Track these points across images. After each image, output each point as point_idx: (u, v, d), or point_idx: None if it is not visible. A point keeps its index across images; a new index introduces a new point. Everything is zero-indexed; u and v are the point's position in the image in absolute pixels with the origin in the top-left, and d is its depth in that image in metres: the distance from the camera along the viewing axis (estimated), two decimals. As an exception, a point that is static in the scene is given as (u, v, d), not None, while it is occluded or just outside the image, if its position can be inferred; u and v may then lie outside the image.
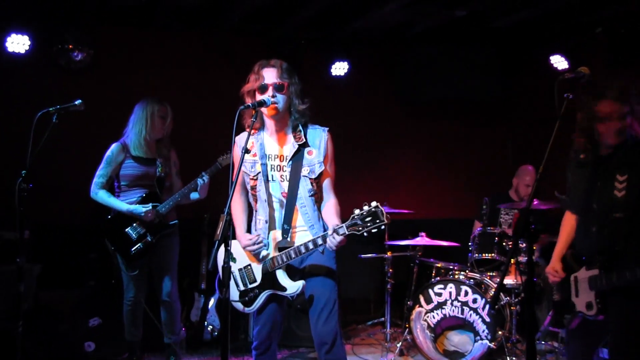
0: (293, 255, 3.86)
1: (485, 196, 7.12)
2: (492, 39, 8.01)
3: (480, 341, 5.77)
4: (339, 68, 7.94)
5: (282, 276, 3.96)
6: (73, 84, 6.92)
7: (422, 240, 6.46)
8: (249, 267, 4.07)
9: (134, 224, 5.42)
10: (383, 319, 6.89)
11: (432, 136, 8.77)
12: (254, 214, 4.14)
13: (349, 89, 8.19)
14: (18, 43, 6.58)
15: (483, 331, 5.77)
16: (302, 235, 3.99)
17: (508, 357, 5.78)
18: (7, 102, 6.87)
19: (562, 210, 4.31)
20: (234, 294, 4.11)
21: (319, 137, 4.03)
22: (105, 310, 6.11)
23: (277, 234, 3.99)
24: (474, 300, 5.84)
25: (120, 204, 5.41)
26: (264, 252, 3.99)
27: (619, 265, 3.66)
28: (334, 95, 8.04)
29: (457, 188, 8.72)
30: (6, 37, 6.54)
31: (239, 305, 4.11)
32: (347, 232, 3.64)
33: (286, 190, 3.98)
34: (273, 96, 3.87)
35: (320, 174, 4.01)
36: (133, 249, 5.40)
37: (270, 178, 4.01)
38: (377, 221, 3.58)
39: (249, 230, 4.16)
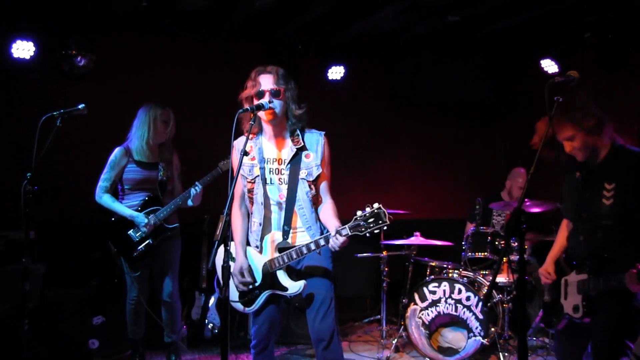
0: (294, 256, 3.86)
1: (478, 197, 7.13)
2: (485, 43, 8.02)
3: (473, 338, 5.78)
4: (336, 72, 7.94)
5: (283, 276, 3.96)
6: (76, 89, 6.92)
7: (417, 239, 6.46)
8: (249, 267, 4.07)
9: (136, 227, 5.42)
10: (379, 316, 6.90)
11: (426, 139, 8.78)
12: (250, 217, 4.14)
13: (345, 93, 8.20)
14: (23, 49, 6.59)
15: (476, 328, 5.78)
16: (301, 236, 4.00)
17: (500, 353, 5.79)
18: (12, 106, 6.88)
19: (555, 211, 4.34)
20: (234, 295, 4.10)
21: (316, 141, 4.03)
22: (109, 308, 6.11)
23: (276, 235, 3.99)
24: (467, 298, 5.85)
25: (123, 209, 5.40)
26: (240, 287, 4.00)
27: (606, 271, 3.67)
28: (331, 99, 8.05)
29: (451, 189, 8.74)
30: (12, 44, 6.56)
31: (239, 306, 4.11)
32: (350, 233, 3.65)
33: (284, 193, 3.98)
34: (270, 102, 3.87)
35: (318, 177, 4.01)
36: (135, 252, 5.40)
37: (268, 181, 4.01)
38: (380, 222, 3.59)
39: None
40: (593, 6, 6.57)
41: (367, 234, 3.62)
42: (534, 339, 6.30)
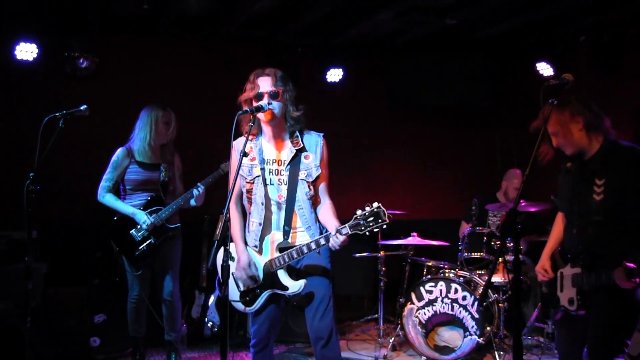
0: (295, 256, 3.87)
1: (474, 197, 7.13)
2: (482, 46, 8.03)
3: (469, 337, 5.78)
4: (334, 74, 7.95)
5: (283, 276, 3.96)
6: (79, 90, 6.91)
7: (413, 239, 6.46)
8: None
9: (138, 226, 5.42)
10: (376, 315, 6.90)
11: (423, 140, 8.79)
12: (248, 217, 4.14)
13: (343, 95, 8.21)
14: (26, 51, 6.60)
15: (472, 327, 5.78)
16: (301, 236, 4.01)
17: (496, 352, 5.80)
18: (15, 107, 6.88)
19: (550, 211, 4.34)
20: (235, 295, 4.11)
21: (315, 142, 4.04)
22: (110, 307, 6.12)
23: (277, 236, 3.99)
24: (464, 298, 5.86)
25: (126, 208, 5.41)
26: (248, 282, 4.00)
27: (598, 265, 3.68)
28: (330, 101, 8.06)
29: (447, 190, 8.74)
30: (15, 46, 6.56)
31: (240, 306, 4.11)
32: (350, 232, 3.66)
33: (284, 193, 3.99)
34: (269, 103, 3.88)
35: (317, 177, 4.02)
36: (137, 251, 5.40)
37: (268, 182, 4.02)
38: (380, 221, 3.60)
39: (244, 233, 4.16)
40: (588, 10, 6.59)
41: (367, 233, 3.63)
42: (529, 338, 6.32)
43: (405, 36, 7.74)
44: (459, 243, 6.51)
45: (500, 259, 6.27)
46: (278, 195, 4.00)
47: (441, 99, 8.18)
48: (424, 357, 5.97)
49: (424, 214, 8.46)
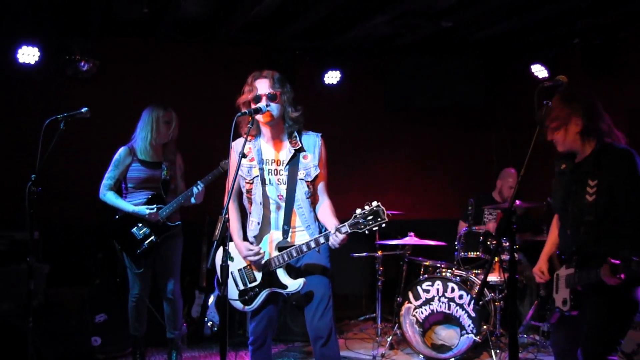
0: (295, 254, 3.87)
1: (471, 197, 7.14)
2: (477, 49, 8.04)
3: (466, 335, 5.79)
4: (332, 77, 7.96)
5: (282, 275, 3.96)
6: (80, 93, 6.93)
7: (410, 239, 6.46)
8: (249, 267, 4.07)
9: (139, 224, 5.42)
10: (374, 314, 6.90)
11: (420, 141, 8.79)
12: (248, 216, 4.15)
13: (341, 97, 8.22)
14: (28, 54, 6.61)
15: (469, 325, 5.79)
16: (301, 235, 4.01)
17: (492, 350, 5.81)
18: (17, 109, 6.88)
19: (545, 211, 4.34)
20: (234, 293, 4.11)
21: (313, 143, 4.05)
22: (111, 307, 6.12)
23: (276, 235, 3.99)
24: (460, 297, 5.86)
25: (127, 205, 5.41)
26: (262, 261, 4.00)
27: (590, 265, 3.68)
28: (327, 103, 8.07)
29: (444, 190, 8.75)
30: (17, 49, 6.58)
31: (239, 304, 4.11)
32: (349, 231, 3.66)
33: (283, 193, 3.99)
34: (267, 105, 3.89)
35: (316, 177, 4.02)
36: (139, 249, 5.40)
37: (267, 182, 4.02)
38: (379, 219, 3.61)
39: (244, 232, 4.16)
40: (581, 13, 6.60)
41: (366, 231, 3.64)
42: (525, 336, 6.31)
43: (402, 39, 7.74)
44: (456, 243, 6.51)
45: (496, 258, 6.29)
46: (278, 195, 4.01)
47: (437, 100, 8.19)
48: (421, 356, 5.98)
49: (421, 214, 8.47)
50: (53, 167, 4.68)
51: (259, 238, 4.05)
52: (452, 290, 5.90)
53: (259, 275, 4.03)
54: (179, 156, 5.73)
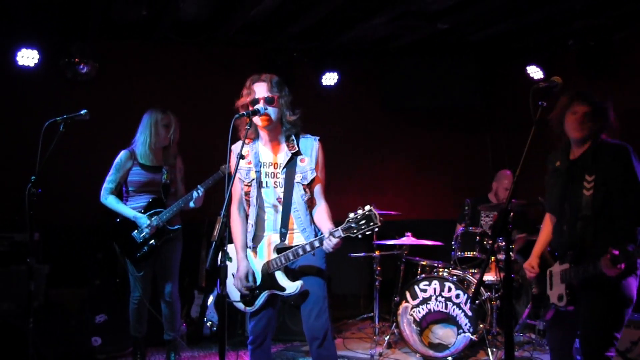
0: (291, 257, 3.87)
1: (467, 198, 7.15)
2: (473, 50, 8.04)
3: (463, 334, 5.79)
4: (329, 78, 7.96)
5: (281, 277, 3.97)
6: (79, 95, 6.93)
7: (408, 239, 6.47)
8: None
9: (140, 228, 5.42)
10: (372, 314, 6.90)
11: (417, 142, 8.80)
12: (247, 219, 4.15)
13: (338, 98, 8.22)
14: (28, 57, 6.62)
15: (465, 324, 5.79)
16: (297, 238, 4.01)
17: (489, 349, 5.81)
18: (17, 112, 6.88)
19: (541, 211, 4.35)
20: (235, 295, 4.10)
21: (310, 146, 4.05)
22: (111, 307, 6.12)
23: (274, 237, 4.00)
24: (457, 296, 5.87)
25: (127, 211, 5.40)
26: (242, 291, 4.01)
27: (586, 259, 3.70)
28: (325, 104, 8.07)
29: (440, 191, 8.75)
30: (17, 52, 6.59)
31: (240, 305, 4.11)
32: (342, 235, 3.66)
33: (281, 196, 3.99)
34: (265, 108, 3.89)
35: (312, 180, 4.02)
36: (139, 252, 5.40)
37: (264, 184, 4.03)
38: (371, 224, 3.59)
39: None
40: (576, 15, 6.61)
41: (359, 236, 3.62)
42: (521, 334, 6.33)
43: (398, 40, 7.75)
44: (452, 242, 6.52)
45: (493, 258, 6.29)
46: (277, 198, 4.01)
47: (434, 101, 8.20)
48: (418, 355, 5.99)
49: (418, 214, 8.47)
50: (53, 168, 4.67)
51: (256, 240, 4.05)
52: (449, 289, 5.91)
53: (258, 277, 4.03)
54: (179, 159, 5.72)
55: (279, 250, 3.95)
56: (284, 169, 4.00)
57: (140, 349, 5.72)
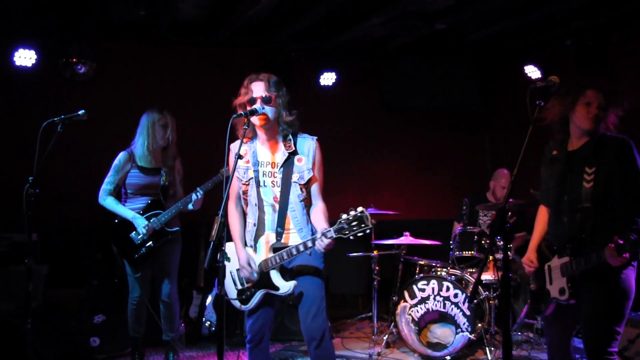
0: (285, 257, 3.88)
1: (465, 198, 7.14)
2: (471, 50, 8.05)
3: (461, 333, 5.79)
4: (328, 78, 7.97)
5: (275, 276, 3.97)
6: (77, 95, 6.93)
7: (406, 239, 6.47)
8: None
9: (137, 229, 5.41)
10: (370, 313, 6.90)
11: (415, 142, 8.81)
12: (245, 217, 4.16)
13: (336, 98, 8.22)
14: (25, 57, 6.61)
15: (464, 324, 5.80)
16: (293, 237, 4.01)
17: (487, 348, 5.82)
18: (15, 112, 6.88)
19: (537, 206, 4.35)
20: (232, 293, 4.12)
21: (308, 145, 4.04)
22: (110, 307, 6.11)
23: (271, 236, 4.00)
24: (455, 295, 5.87)
25: (126, 212, 5.39)
26: (253, 277, 4.01)
27: (586, 251, 3.70)
28: (323, 104, 8.07)
29: (439, 190, 8.76)
30: (14, 52, 6.58)
31: (237, 303, 4.12)
32: (334, 236, 3.66)
33: (278, 195, 4.00)
34: (262, 107, 3.89)
35: (309, 180, 4.02)
36: (137, 254, 5.39)
37: (262, 184, 4.03)
38: (363, 225, 3.59)
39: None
40: (573, 15, 6.62)
41: (351, 237, 3.62)
42: (519, 333, 6.33)
43: (397, 40, 7.76)
44: (451, 242, 6.52)
45: (491, 257, 6.30)
46: (273, 197, 4.01)
47: (432, 101, 8.21)
48: (417, 354, 5.99)
49: (416, 214, 8.48)
50: (51, 168, 4.68)
51: (255, 239, 4.06)
52: (447, 289, 5.91)
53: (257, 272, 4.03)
54: (178, 161, 5.70)
55: (275, 249, 3.96)
56: (281, 169, 4.00)
57: (138, 349, 5.72)
